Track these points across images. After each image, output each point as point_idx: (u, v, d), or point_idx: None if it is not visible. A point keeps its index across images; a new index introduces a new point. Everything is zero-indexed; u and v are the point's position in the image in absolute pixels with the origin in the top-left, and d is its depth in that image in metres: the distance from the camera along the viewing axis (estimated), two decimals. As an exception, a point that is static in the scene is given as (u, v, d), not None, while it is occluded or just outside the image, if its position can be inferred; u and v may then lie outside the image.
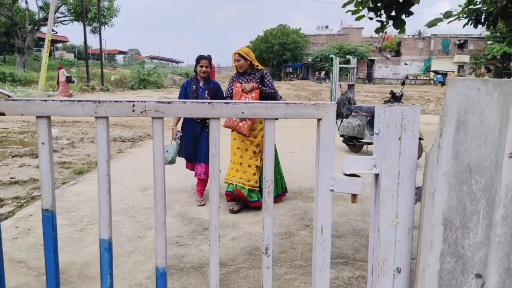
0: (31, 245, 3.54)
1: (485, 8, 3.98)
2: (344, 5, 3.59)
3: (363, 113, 8.00)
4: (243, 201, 4.49)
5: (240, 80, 4.63)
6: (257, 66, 4.66)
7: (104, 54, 49.82)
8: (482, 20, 4.07)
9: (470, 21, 4.17)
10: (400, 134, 1.30)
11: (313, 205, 1.62)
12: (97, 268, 3.06)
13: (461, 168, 1.27)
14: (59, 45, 56.34)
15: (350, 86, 10.56)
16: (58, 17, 34.64)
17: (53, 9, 21.97)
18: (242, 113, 1.31)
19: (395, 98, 8.47)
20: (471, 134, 1.24)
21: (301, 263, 3.29)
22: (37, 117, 1.32)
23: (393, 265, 1.35)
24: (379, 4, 3.46)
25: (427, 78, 48.26)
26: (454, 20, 3.43)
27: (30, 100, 1.29)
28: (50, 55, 22.82)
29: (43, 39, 26.06)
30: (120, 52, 71.32)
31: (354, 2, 3.55)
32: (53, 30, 29.39)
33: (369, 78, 50.53)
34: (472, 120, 1.24)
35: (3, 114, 1.29)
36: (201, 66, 4.70)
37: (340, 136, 8.21)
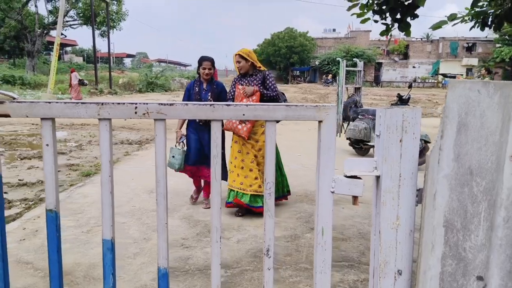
0: (38, 246, 3.58)
1: (492, 10, 3.96)
2: (349, 8, 3.59)
3: (370, 116, 7.97)
4: (244, 208, 4.48)
5: (242, 82, 4.54)
6: (259, 67, 4.57)
7: (113, 57, 50.18)
8: (489, 23, 4.05)
9: (477, 24, 4.16)
10: (401, 136, 1.31)
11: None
12: (103, 269, 3.08)
13: (462, 170, 1.26)
14: (68, 48, 56.88)
15: (357, 89, 10.54)
16: (67, 21, 35.02)
17: (62, 13, 22.20)
18: (243, 115, 1.32)
19: (402, 101, 8.42)
20: (472, 136, 1.24)
21: (306, 266, 3.29)
22: (41, 119, 1.35)
23: (394, 267, 1.35)
24: (384, 7, 3.46)
25: (436, 81, 48.01)
26: (458, 22, 3.42)
27: (34, 102, 1.31)
28: (59, 58, 23.06)
29: (52, 43, 26.34)
30: (128, 56, 71.84)
31: (359, 5, 3.55)
32: (62, 34, 29.72)
33: (377, 81, 50.41)
34: (473, 122, 1.24)
35: (8, 115, 1.31)
36: (204, 68, 4.61)
37: (347, 139, 8.18)
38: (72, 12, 35.34)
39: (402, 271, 1.35)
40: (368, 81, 47.79)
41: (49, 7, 35.46)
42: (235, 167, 4.47)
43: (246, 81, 4.51)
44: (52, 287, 1.43)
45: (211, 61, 4.67)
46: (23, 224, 4.10)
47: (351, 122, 8.36)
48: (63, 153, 7.95)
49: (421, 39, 52.52)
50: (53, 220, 1.41)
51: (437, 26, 3.25)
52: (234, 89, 4.56)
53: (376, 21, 3.70)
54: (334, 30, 59.69)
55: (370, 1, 3.52)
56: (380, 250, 1.34)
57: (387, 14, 3.54)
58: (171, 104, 1.32)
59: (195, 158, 4.66)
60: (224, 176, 4.43)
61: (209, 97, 4.64)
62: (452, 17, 3.30)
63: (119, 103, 1.32)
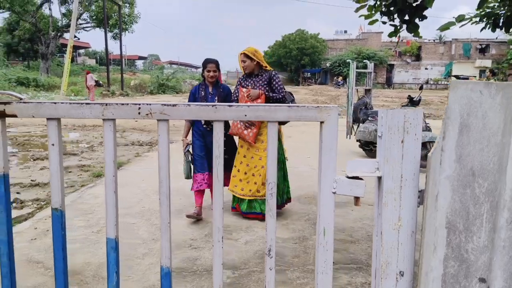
0: (48, 246, 3.62)
1: (503, 11, 3.92)
2: (357, 10, 3.58)
3: (380, 118, 7.91)
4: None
5: (247, 83, 4.39)
6: (266, 67, 4.40)
7: (124, 59, 50.62)
8: (500, 24, 4.01)
9: (488, 25, 4.11)
10: (403, 137, 1.30)
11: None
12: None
13: (464, 171, 1.26)
14: (81, 51, 57.56)
15: (367, 91, 10.47)
16: (80, 24, 35.47)
17: (76, 16, 22.51)
18: (245, 115, 1.33)
19: (413, 102, 8.34)
20: (474, 137, 1.24)
21: (314, 268, 3.28)
22: (47, 119, 1.37)
23: (396, 268, 1.34)
24: (391, 8, 3.44)
25: (448, 83, 47.43)
26: (466, 23, 3.39)
27: (40, 102, 1.34)
28: (72, 61, 23.37)
29: (66, 45, 26.67)
30: (140, 58, 72.38)
31: (367, 6, 3.54)
32: (75, 37, 30.14)
33: (389, 83, 50.06)
34: (475, 123, 1.23)
35: (15, 116, 1.34)
36: (208, 71, 4.40)
37: (357, 141, 8.15)
38: (85, 15, 35.80)
39: (404, 272, 1.35)
40: (380, 83, 47.48)
41: (63, 10, 35.95)
42: (238, 171, 4.40)
43: (252, 82, 4.38)
44: (57, 283, 1.46)
45: (216, 63, 4.45)
46: (34, 223, 4.16)
47: (361, 124, 8.32)
48: (74, 154, 8.05)
49: (434, 40, 52.02)
50: (58, 218, 1.43)
51: (445, 27, 3.22)
52: (238, 91, 4.43)
53: (384, 23, 3.68)
54: (345, 31, 59.51)
55: (378, 3, 3.50)
56: (382, 251, 1.34)
57: (395, 16, 3.52)
58: (174, 105, 1.34)
59: (203, 165, 4.46)
60: (226, 182, 4.36)
61: (216, 102, 4.45)
62: (460, 18, 3.27)
63: (122, 104, 1.34)
